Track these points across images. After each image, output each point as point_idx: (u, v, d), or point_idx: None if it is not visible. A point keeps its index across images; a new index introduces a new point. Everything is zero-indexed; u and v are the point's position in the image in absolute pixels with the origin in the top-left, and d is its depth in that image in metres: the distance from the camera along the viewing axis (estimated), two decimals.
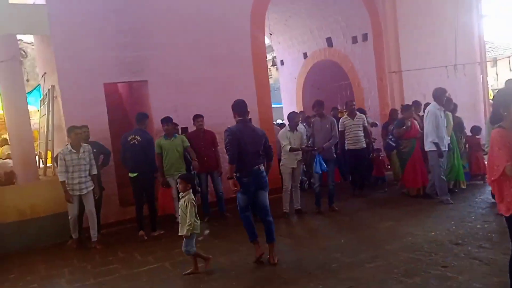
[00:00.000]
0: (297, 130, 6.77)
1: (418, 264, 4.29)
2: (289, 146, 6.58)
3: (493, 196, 5.90)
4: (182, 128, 7.45)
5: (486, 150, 6.68)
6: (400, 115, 7.96)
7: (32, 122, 7.28)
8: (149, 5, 7.40)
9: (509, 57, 18.82)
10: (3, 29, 6.45)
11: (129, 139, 6.30)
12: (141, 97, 7.85)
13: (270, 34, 11.80)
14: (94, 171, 6.10)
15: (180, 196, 4.74)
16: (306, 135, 7.02)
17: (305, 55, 12.04)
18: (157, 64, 7.45)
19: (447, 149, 6.71)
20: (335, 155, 6.96)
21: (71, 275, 5.07)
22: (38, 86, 9.45)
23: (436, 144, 6.53)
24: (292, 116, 6.85)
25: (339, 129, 7.42)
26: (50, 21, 6.67)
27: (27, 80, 12.20)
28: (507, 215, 3.06)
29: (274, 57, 13.32)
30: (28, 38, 12.41)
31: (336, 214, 6.72)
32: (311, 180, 8.11)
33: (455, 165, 7.18)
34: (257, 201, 4.89)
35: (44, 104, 7.87)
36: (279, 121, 13.64)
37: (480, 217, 5.75)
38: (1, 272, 5.38)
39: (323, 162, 6.57)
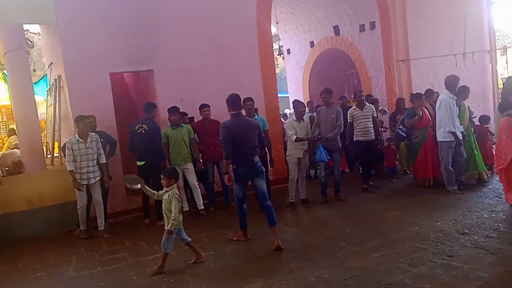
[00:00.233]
0: (303, 120, 6.76)
1: (424, 254, 4.28)
2: (295, 136, 6.57)
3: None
4: (188, 118, 7.45)
5: (494, 140, 6.62)
6: (408, 105, 7.88)
7: (39, 112, 7.33)
8: None
9: None
10: (9, 19, 6.47)
11: (136, 128, 6.35)
12: (147, 86, 7.85)
13: (277, 22, 11.70)
14: (103, 160, 6.13)
15: (165, 191, 4.62)
16: (314, 124, 7.00)
17: (311, 44, 11.94)
18: (163, 54, 7.43)
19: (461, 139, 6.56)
20: (340, 145, 6.92)
21: (79, 263, 5.13)
22: (45, 76, 9.49)
23: (454, 133, 6.40)
24: (296, 104, 6.82)
25: (348, 121, 7.28)
26: (56, 10, 6.66)
27: (34, 70, 12.24)
28: None
29: (280, 46, 13.23)
30: (35, 28, 12.44)
31: (342, 203, 6.71)
32: (317, 169, 8.11)
33: (474, 155, 6.98)
34: (256, 188, 5.16)
35: (51, 94, 7.90)
36: (287, 111, 13.61)
37: (487, 206, 5.71)
38: (11, 260, 5.46)
39: (323, 152, 6.55)
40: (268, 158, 6.63)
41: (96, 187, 6.04)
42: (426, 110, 7.20)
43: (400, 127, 7.40)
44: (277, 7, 10.60)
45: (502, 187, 5.74)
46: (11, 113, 9.62)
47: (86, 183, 5.98)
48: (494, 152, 6.49)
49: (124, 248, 5.44)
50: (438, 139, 6.70)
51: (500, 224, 4.94)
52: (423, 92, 7.75)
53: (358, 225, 5.51)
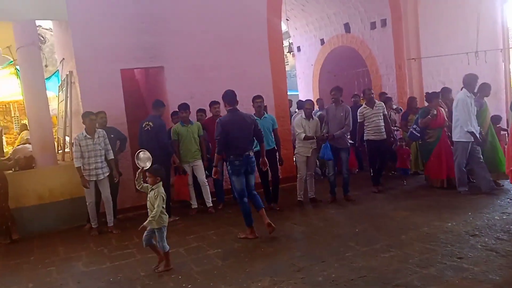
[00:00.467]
0: (312, 118, 6.73)
1: (434, 255, 4.25)
2: (304, 135, 6.54)
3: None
4: (197, 112, 7.45)
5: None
6: (421, 104, 7.73)
7: (50, 107, 7.39)
8: None
9: None
10: (22, 15, 6.51)
11: (143, 125, 6.41)
12: (157, 83, 7.88)
13: (287, 19, 11.66)
14: (111, 156, 6.17)
15: (151, 188, 4.51)
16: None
17: (322, 41, 11.87)
18: (173, 50, 7.45)
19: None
20: (348, 144, 6.89)
21: (88, 258, 5.18)
22: (57, 72, 9.57)
23: (472, 133, 6.27)
24: (300, 104, 6.80)
25: (358, 120, 7.15)
26: (68, 7, 6.71)
27: (46, 66, 12.37)
28: None
29: (290, 44, 13.17)
30: (47, 24, 12.54)
31: (351, 203, 6.67)
32: (325, 169, 8.06)
33: (496, 157, 6.78)
34: (245, 182, 5.36)
35: (62, 89, 7.97)
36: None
37: (498, 208, 5.65)
38: (22, 254, 5.53)
39: (328, 149, 6.52)
40: (278, 157, 6.61)
41: (105, 183, 6.08)
42: (441, 109, 7.03)
43: (414, 126, 7.20)
44: (288, 4, 10.55)
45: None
46: (23, 109, 9.72)
47: (94, 179, 6.03)
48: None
49: (133, 244, 5.48)
50: (454, 139, 6.57)
51: (511, 226, 4.88)
52: (437, 91, 7.57)
53: (367, 225, 5.49)
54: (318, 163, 8.10)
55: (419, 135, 7.13)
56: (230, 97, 5.36)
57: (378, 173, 7.37)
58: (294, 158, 6.92)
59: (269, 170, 6.32)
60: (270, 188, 6.65)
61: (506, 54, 11.34)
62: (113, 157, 6.20)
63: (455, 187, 6.72)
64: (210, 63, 7.73)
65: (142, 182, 4.56)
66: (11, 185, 6.15)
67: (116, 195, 6.51)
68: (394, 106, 8.73)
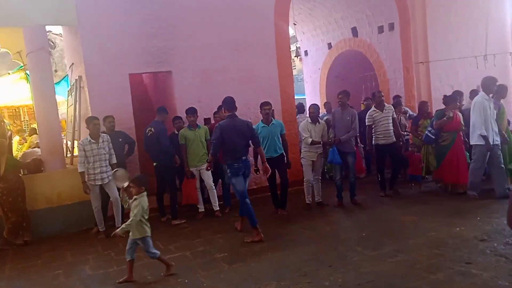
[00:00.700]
0: (319, 123, 6.71)
1: (442, 260, 4.21)
2: (311, 139, 6.51)
3: None
4: (205, 119, 7.50)
5: None
6: (431, 108, 7.59)
7: (60, 112, 7.46)
8: None
9: None
10: (32, 20, 6.60)
11: (147, 131, 6.57)
12: (165, 87, 7.92)
13: (294, 24, 11.65)
14: (114, 160, 6.24)
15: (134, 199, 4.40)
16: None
17: (329, 46, 11.86)
18: (181, 55, 7.50)
19: (494, 143, 6.27)
20: (355, 148, 6.84)
21: (95, 261, 5.20)
22: (66, 77, 9.67)
23: (485, 137, 6.18)
24: (298, 107, 6.77)
25: (367, 123, 7.04)
26: (77, 12, 6.79)
27: (56, 71, 12.51)
28: None
29: (298, 48, 13.16)
30: (57, 29, 12.69)
31: (358, 207, 6.64)
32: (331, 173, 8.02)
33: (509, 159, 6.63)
34: None
35: (71, 94, 8.04)
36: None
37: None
38: (30, 257, 5.58)
39: (336, 153, 6.48)
40: (286, 161, 6.59)
41: (111, 185, 6.10)
42: (458, 113, 6.88)
43: (429, 129, 7.06)
44: (295, 8, 10.55)
45: None
46: (33, 113, 9.81)
47: (100, 183, 6.08)
48: None
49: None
50: (471, 142, 6.48)
51: None
52: (446, 94, 7.45)
53: (374, 230, 5.45)
54: (325, 168, 8.07)
55: (434, 137, 6.98)
56: (229, 104, 5.56)
57: (393, 179, 7.23)
58: (301, 162, 6.88)
59: (277, 174, 6.33)
60: (278, 192, 6.63)
61: None
62: (115, 161, 6.26)
63: (463, 192, 6.65)
64: (217, 67, 7.77)
65: (128, 200, 4.43)
66: None
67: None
68: (403, 109, 8.60)
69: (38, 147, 7.66)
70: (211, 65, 7.73)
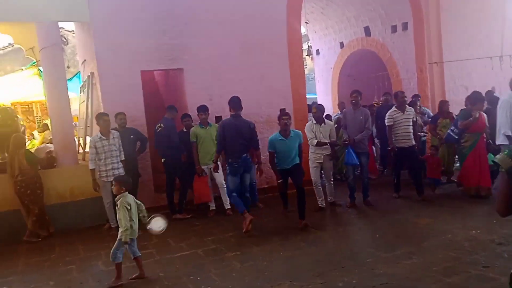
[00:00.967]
0: (325, 123, 6.56)
1: (458, 263, 4.15)
2: (316, 140, 6.39)
3: None
4: (216, 117, 7.48)
5: None
6: (437, 109, 7.46)
7: (72, 108, 7.49)
8: None
9: None
10: (45, 16, 6.62)
11: (156, 127, 6.63)
12: (177, 85, 7.92)
13: (306, 23, 11.61)
14: (122, 157, 6.26)
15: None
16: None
17: (341, 45, 11.78)
18: (193, 52, 7.48)
19: None
20: (368, 148, 6.76)
21: (108, 257, 5.14)
22: (78, 73, 9.72)
23: (509, 137, 6.04)
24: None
25: (387, 123, 6.81)
26: (90, 9, 6.79)
27: (68, 67, 12.57)
28: None
29: (309, 47, 13.11)
30: (69, 26, 12.77)
31: (371, 208, 6.57)
32: (344, 173, 7.93)
33: None
34: (242, 181, 5.84)
35: (83, 90, 8.07)
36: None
37: None
38: (44, 252, 5.61)
39: (352, 154, 6.39)
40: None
41: None
42: (483, 114, 6.67)
43: (452, 128, 6.86)
44: (307, 7, 10.50)
45: None
46: (46, 109, 9.88)
47: (111, 179, 6.06)
48: None
49: (152, 244, 5.49)
50: (497, 142, 6.34)
51: None
52: (459, 95, 7.36)
53: (388, 231, 5.39)
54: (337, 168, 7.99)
55: (456, 137, 6.77)
56: (235, 103, 5.77)
57: (419, 186, 6.85)
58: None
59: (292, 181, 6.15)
60: (287, 196, 6.50)
61: None
62: (124, 158, 6.27)
63: (485, 196, 6.43)
64: (229, 65, 7.74)
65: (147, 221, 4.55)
66: None
67: (136, 194, 6.54)
68: (426, 112, 8.46)
69: (51, 143, 7.69)
70: (223, 63, 7.70)
